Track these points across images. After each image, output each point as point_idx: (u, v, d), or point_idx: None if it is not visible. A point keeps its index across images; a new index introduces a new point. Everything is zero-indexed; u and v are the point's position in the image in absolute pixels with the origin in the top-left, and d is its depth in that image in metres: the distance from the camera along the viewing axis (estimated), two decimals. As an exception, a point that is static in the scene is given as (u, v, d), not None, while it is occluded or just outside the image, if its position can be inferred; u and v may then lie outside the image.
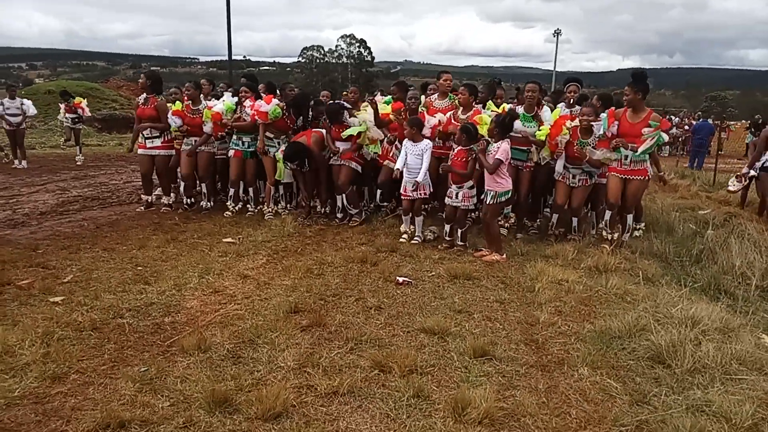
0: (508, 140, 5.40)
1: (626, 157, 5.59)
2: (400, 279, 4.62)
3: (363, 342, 3.45)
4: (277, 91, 7.64)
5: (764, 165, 8.04)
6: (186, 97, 7.18)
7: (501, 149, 5.28)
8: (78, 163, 12.44)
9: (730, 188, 8.73)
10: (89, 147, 15.98)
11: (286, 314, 3.83)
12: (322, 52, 76.76)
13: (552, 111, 6.14)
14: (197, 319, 3.76)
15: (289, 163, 6.52)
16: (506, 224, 6.50)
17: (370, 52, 76.10)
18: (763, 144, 8.12)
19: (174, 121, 6.99)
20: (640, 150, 5.49)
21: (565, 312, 4.11)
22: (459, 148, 5.59)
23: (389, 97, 7.24)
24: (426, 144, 5.85)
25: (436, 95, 6.79)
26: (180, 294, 4.23)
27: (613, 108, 5.92)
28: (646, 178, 5.68)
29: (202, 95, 7.48)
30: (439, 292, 4.45)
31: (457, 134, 5.65)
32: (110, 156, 14.26)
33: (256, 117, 6.68)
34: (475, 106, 6.36)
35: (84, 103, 13.41)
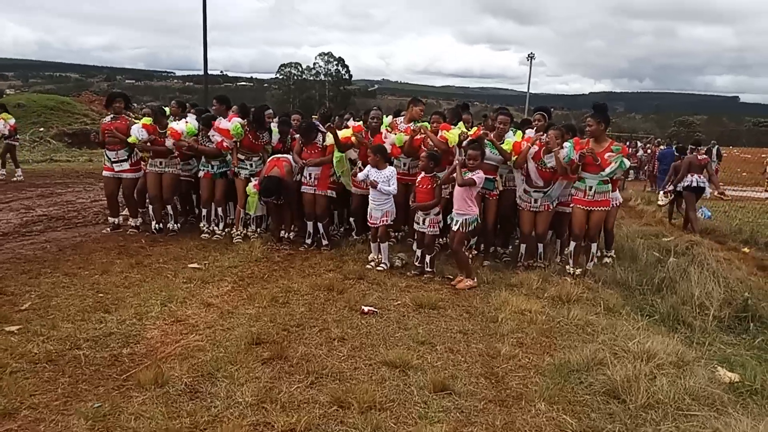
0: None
1: (590, 188, 5.74)
2: (366, 308, 4.64)
3: (324, 376, 3.44)
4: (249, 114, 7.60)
5: (687, 185, 9.54)
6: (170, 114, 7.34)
7: (476, 174, 5.42)
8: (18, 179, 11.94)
9: (660, 203, 10.39)
10: (57, 163, 15.74)
11: (248, 346, 3.80)
12: (300, 69, 77.26)
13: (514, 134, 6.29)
14: (156, 351, 3.71)
15: (264, 199, 6.50)
16: (470, 254, 6.57)
17: (348, 71, 76.85)
18: (686, 168, 9.62)
19: (141, 133, 6.83)
20: (605, 172, 5.66)
21: (527, 344, 4.17)
22: (424, 174, 5.67)
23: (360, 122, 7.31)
24: (390, 171, 5.91)
25: (401, 118, 6.91)
26: (141, 323, 4.17)
27: (578, 137, 6.07)
28: (609, 208, 5.83)
29: (171, 117, 7.46)
30: (404, 322, 4.47)
31: (423, 161, 5.73)
32: (79, 173, 14.00)
33: (220, 139, 6.70)
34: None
35: (11, 120, 12.55)
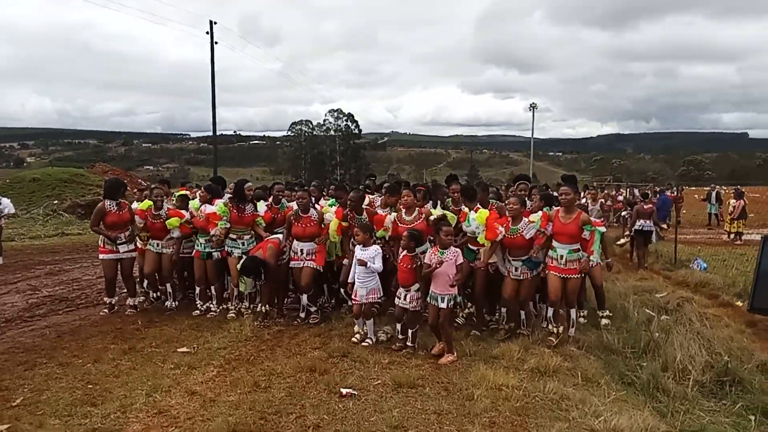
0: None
1: (561, 256, 5.93)
2: (344, 391, 4.75)
3: (293, 468, 3.55)
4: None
5: (638, 229, 12.07)
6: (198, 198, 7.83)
7: (459, 255, 5.62)
8: None
9: (619, 243, 12.53)
10: (69, 237, 16.22)
11: (224, 438, 3.93)
12: (311, 126, 79.20)
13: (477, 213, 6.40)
14: (135, 447, 3.85)
15: (244, 275, 6.74)
16: (456, 323, 6.70)
17: (357, 125, 78.58)
18: (635, 215, 12.21)
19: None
20: (593, 256, 5.91)
21: (499, 423, 4.25)
22: (405, 253, 5.86)
23: (332, 200, 7.55)
24: (375, 249, 6.11)
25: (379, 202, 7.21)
26: (125, 416, 4.32)
27: (545, 211, 6.28)
28: (581, 275, 6.00)
29: (165, 198, 7.82)
30: (381, 404, 4.57)
31: (404, 240, 5.93)
32: (89, 246, 14.40)
33: (212, 221, 7.06)
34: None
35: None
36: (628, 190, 24.76)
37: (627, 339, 6.40)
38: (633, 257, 12.89)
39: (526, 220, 6.14)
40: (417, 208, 6.53)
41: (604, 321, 7.03)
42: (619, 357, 5.97)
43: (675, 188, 22.58)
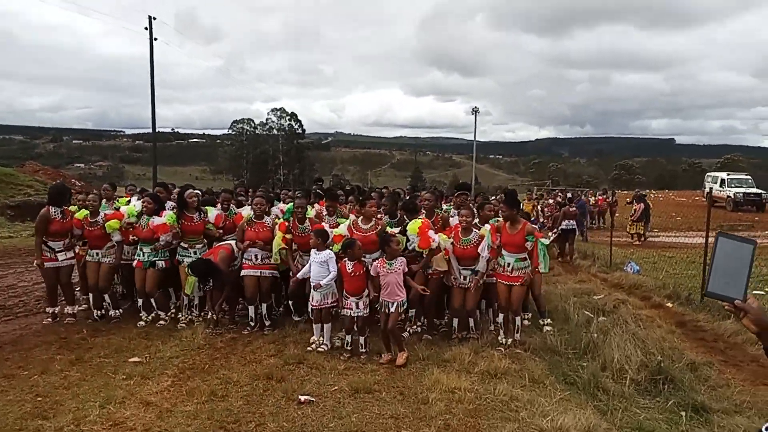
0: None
1: (509, 264, 6.24)
2: (302, 398, 4.83)
3: (256, 477, 3.61)
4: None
5: (563, 228, 13.94)
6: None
7: (405, 264, 5.79)
8: None
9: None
10: (-1, 240, 15.41)
11: (184, 449, 3.94)
12: (253, 124, 77.85)
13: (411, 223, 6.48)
14: (93, 461, 3.80)
15: (193, 275, 6.66)
16: (409, 329, 6.87)
17: (301, 125, 78.00)
18: (562, 216, 14.04)
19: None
20: (540, 267, 6.22)
21: (453, 426, 4.43)
22: (355, 261, 5.99)
23: (291, 204, 7.58)
24: (328, 253, 6.18)
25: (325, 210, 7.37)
26: (79, 429, 4.24)
27: (493, 224, 6.55)
28: (525, 283, 6.32)
29: (104, 200, 7.61)
30: (339, 410, 4.67)
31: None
32: (21, 250, 13.74)
33: (160, 233, 6.92)
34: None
35: None
36: (563, 193, 25.84)
37: (568, 340, 6.74)
38: (558, 253, 14.48)
39: (477, 232, 6.40)
40: (374, 219, 6.67)
41: (546, 328, 7.33)
42: (561, 358, 6.30)
43: (610, 193, 23.72)
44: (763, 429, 1.82)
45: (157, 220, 6.94)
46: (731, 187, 28.78)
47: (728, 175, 30.88)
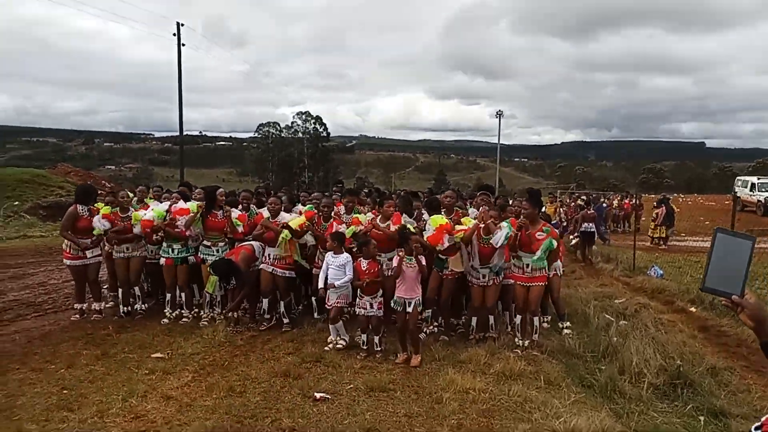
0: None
1: (527, 265, 6.21)
2: (318, 395, 4.91)
3: (270, 470, 3.70)
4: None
5: (582, 230, 13.90)
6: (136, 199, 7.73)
7: (421, 262, 5.82)
8: None
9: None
10: (31, 239, 15.87)
11: (202, 441, 4.05)
12: (279, 128, 78.61)
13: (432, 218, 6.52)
14: (114, 451, 3.93)
15: (214, 275, 6.81)
16: (426, 329, 6.90)
17: (326, 128, 78.41)
18: (581, 219, 14.02)
19: (102, 224, 7.21)
20: (536, 256, 6.14)
21: (466, 425, 4.47)
22: (370, 260, 6.06)
23: (310, 205, 7.71)
24: (346, 257, 6.27)
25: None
26: (102, 421, 4.39)
27: (514, 218, 6.54)
28: (545, 283, 6.29)
29: (135, 200, 7.82)
30: (353, 407, 4.75)
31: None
32: (52, 249, 14.14)
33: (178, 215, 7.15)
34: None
35: None
36: (587, 196, 25.55)
37: (587, 343, 6.71)
38: (578, 254, 14.48)
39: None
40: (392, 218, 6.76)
41: (565, 331, 7.29)
42: (579, 361, 6.26)
43: (635, 196, 23.37)
44: (752, 429, 1.83)
45: (179, 205, 7.18)
46: (762, 191, 28.07)
47: (759, 179, 30.06)
